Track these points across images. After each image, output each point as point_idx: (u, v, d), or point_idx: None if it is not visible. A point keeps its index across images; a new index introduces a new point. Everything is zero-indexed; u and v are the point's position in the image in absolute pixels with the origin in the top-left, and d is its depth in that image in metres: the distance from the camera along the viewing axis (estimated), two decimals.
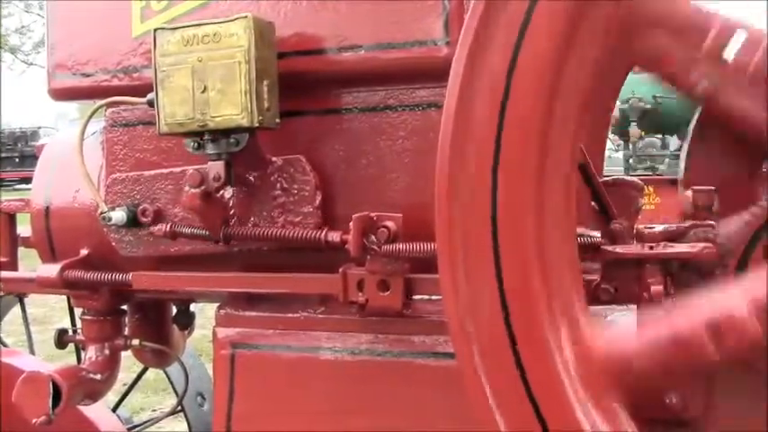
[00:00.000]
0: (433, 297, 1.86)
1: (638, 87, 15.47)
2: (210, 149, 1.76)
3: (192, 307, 2.60)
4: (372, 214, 1.72)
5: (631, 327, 1.32)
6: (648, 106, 15.40)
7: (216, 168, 1.76)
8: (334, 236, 1.76)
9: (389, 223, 1.70)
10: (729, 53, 1.29)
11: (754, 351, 1.22)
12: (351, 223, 1.69)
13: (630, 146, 15.89)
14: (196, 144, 1.78)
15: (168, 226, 1.90)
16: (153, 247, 1.97)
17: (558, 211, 1.24)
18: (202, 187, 1.77)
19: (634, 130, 15.36)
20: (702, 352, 1.19)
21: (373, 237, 1.70)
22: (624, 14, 1.24)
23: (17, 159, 29.56)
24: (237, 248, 1.89)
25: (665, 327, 1.23)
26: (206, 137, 1.76)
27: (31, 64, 33.38)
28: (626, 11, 1.24)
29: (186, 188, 1.80)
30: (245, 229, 1.85)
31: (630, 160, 15.46)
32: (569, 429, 1.21)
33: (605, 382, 1.23)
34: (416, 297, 1.91)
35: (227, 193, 1.88)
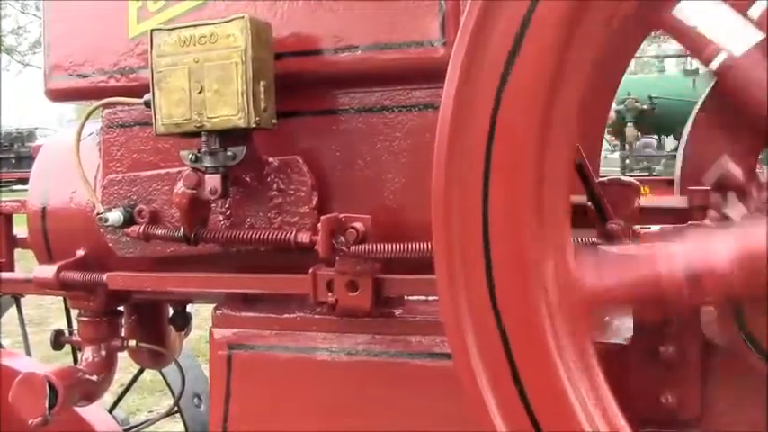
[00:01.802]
0: (430, 298, 1.87)
1: (635, 88, 15.51)
2: (208, 162, 1.77)
3: (189, 308, 2.60)
4: (341, 215, 1.74)
5: (613, 259, 1.30)
6: (645, 107, 15.43)
7: (213, 182, 1.77)
8: (304, 237, 1.78)
9: (358, 224, 1.72)
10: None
11: (726, 302, 1.23)
12: (318, 224, 1.71)
13: (627, 146, 15.90)
14: (194, 157, 1.78)
15: (142, 228, 1.92)
16: (149, 248, 1.97)
17: (554, 213, 1.24)
18: (194, 191, 1.78)
19: (630, 130, 15.38)
20: (678, 298, 1.21)
21: (342, 238, 1.71)
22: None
23: (14, 160, 29.52)
24: (234, 249, 1.90)
25: (645, 266, 1.22)
26: (203, 149, 1.76)
27: (28, 65, 33.34)
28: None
29: (179, 185, 1.80)
30: (215, 231, 1.87)
31: (627, 161, 15.48)
32: (564, 430, 1.21)
33: (580, 310, 1.23)
34: (413, 297, 1.92)
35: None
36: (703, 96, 1.69)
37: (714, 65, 1.40)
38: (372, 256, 1.71)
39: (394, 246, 1.68)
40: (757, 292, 1.17)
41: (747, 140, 1.58)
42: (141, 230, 1.93)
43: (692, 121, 1.70)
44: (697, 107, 1.71)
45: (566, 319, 1.21)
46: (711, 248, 1.18)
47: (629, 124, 15.44)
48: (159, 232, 1.91)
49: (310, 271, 1.79)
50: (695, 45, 1.42)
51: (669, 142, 17.01)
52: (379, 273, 1.77)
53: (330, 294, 1.78)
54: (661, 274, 1.19)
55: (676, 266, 1.17)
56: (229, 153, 1.76)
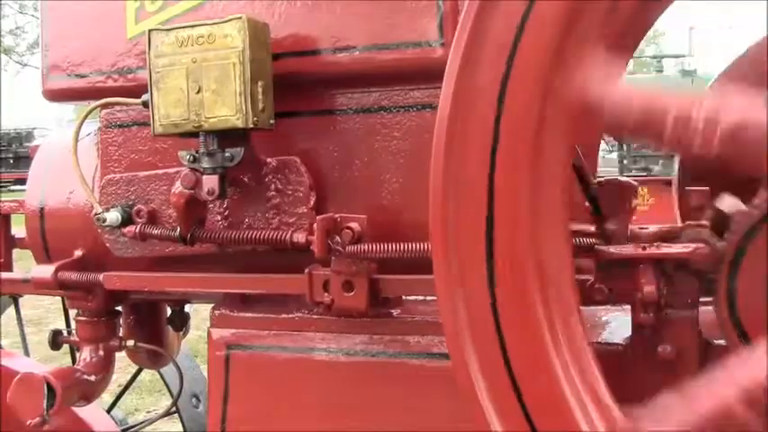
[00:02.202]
0: (428, 298, 1.88)
1: None
2: (206, 163, 1.77)
3: (188, 308, 2.60)
4: (337, 215, 1.74)
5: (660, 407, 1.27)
6: None
7: (210, 183, 1.77)
8: (300, 237, 1.78)
9: (354, 224, 1.73)
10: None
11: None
12: (315, 224, 1.71)
13: (625, 146, 15.92)
14: (192, 157, 1.78)
15: (139, 228, 1.92)
16: (147, 247, 1.98)
17: (553, 212, 1.24)
18: (192, 191, 1.78)
19: None
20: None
21: (338, 238, 1.71)
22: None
23: (12, 160, 29.54)
24: (232, 250, 1.90)
25: (698, 404, 1.20)
26: (201, 150, 1.76)
27: (26, 65, 33.36)
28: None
29: (177, 185, 1.80)
30: (212, 231, 1.87)
31: (625, 161, 15.50)
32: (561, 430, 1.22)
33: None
34: (411, 298, 1.93)
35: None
36: None
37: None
38: (368, 256, 1.71)
39: (390, 246, 1.68)
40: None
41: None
42: (139, 230, 1.93)
43: None
44: None
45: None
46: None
47: None
48: (157, 232, 1.91)
49: (306, 271, 1.79)
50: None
51: None
52: (375, 273, 1.77)
53: (326, 294, 1.78)
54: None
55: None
56: (227, 153, 1.76)
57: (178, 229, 1.87)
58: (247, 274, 1.94)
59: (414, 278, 1.74)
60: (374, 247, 1.70)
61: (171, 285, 2.07)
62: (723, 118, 1.08)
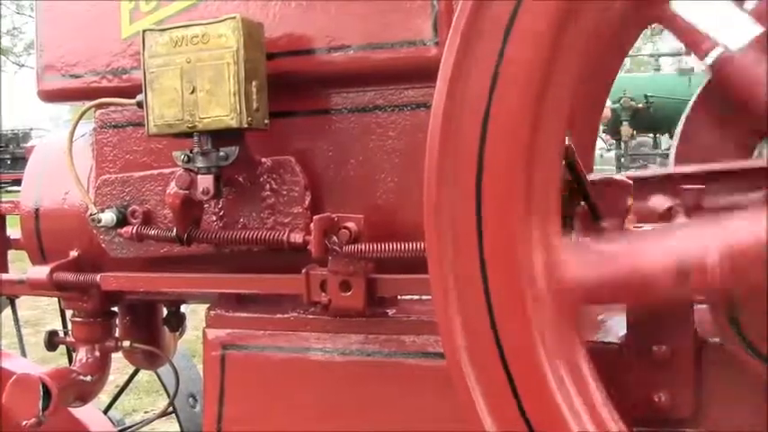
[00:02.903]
0: (423, 297, 1.87)
1: (630, 87, 15.54)
2: (200, 163, 1.77)
3: (185, 308, 2.60)
4: (334, 215, 1.74)
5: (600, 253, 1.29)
6: (640, 105, 15.47)
7: (205, 183, 1.77)
8: (297, 237, 1.78)
9: (351, 224, 1.73)
10: None
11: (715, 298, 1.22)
12: (311, 224, 1.71)
13: (622, 145, 15.94)
14: (186, 157, 1.78)
15: (135, 228, 1.92)
16: (142, 248, 1.97)
17: (546, 209, 1.24)
18: (187, 192, 1.78)
19: (626, 129, 15.42)
20: (664, 291, 1.18)
21: (335, 237, 1.71)
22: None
23: (9, 161, 29.49)
24: (228, 250, 1.90)
25: (630, 257, 1.22)
26: (195, 150, 1.76)
27: (23, 65, 33.34)
28: None
29: (172, 186, 1.80)
30: (208, 231, 1.87)
31: (622, 159, 15.51)
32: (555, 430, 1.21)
33: (566, 303, 1.22)
34: (406, 297, 1.92)
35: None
36: (696, 93, 1.69)
37: (709, 60, 1.39)
38: (365, 255, 1.71)
39: (387, 245, 1.68)
40: (746, 288, 1.16)
41: (741, 137, 1.58)
42: (134, 231, 1.93)
43: (684, 118, 1.70)
44: (690, 104, 1.71)
45: (554, 314, 1.21)
46: (701, 242, 1.17)
47: (624, 123, 15.49)
48: (152, 233, 1.91)
49: (303, 271, 1.79)
50: (691, 40, 1.42)
51: (664, 141, 17.05)
52: (372, 272, 1.77)
53: (323, 294, 1.78)
54: (648, 267, 1.18)
55: (665, 260, 1.17)
56: (222, 153, 1.76)
57: (174, 230, 1.87)
58: (244, 275, 1.93)
59: (411, 278, 1.74)
60: (371, 246, 1.70)
61: (167, 286, 2.07)
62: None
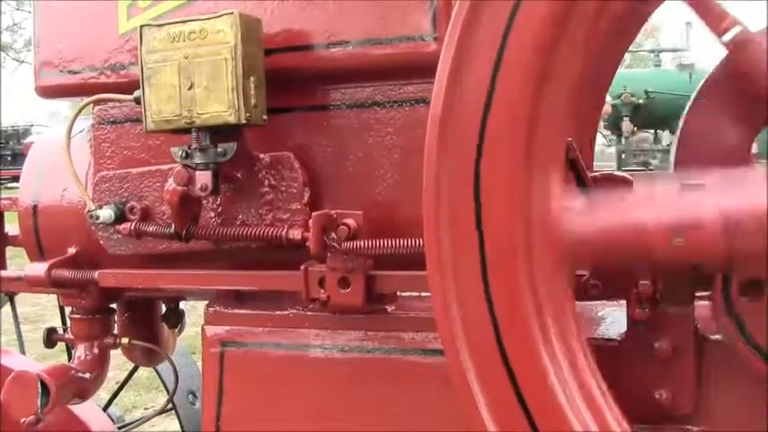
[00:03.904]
0: (423, 294, 1.87)
1: (631, 82, 15.53)
2: (198, 159, 1.76)
3: (184, 305, 2.59)
4: (332, 212, 1.73)
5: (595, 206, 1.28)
6: (641, 101, 15.47)
7: (203, 179, 1.76)
8: (295, 233, 1.77)
9: (349, 221, 1.72)
10: None
11: (707, 263, 1.21)
12: (310, 221, 1.70)
13: (623, 141, 15.94)
14: (184, 153, 1.77)
15: (133, 225, 1.91)
16: (140, 245, 1.97)
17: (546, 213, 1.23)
18: (185, 188, 1.77)
19: (626, 124, 15.42)
20: (658, 251, 1.17)
21: (333, 234, 1.71)
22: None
23: (9, 157, 29.47)
24: (227, 246, 1.89)
25: (628, 213, 1.21)
26: (194, 146, 1.75)
27: (23, 62, 33.34)
28: None
29: (170, 182, 1.79)
30: (206, 228, 1.86)
31: (623, 155, 15.52)
32: (559, 429, 1.21)
33: (561, 256, 1.22)
34: (406, 294, 1.92)
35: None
36: (698, 87, 1.67)
37: (728, 38, 1.37)
38: (364, 252, 1.71)
39: (386, 242, 1.68)
40: (746, 256, 1.15)
41: (744, 129, 1.56)
42: (132, 227, 1.92)
43: (686, 112, 1.69)
44: (692, 97, 1.70)
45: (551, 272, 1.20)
46: (701, 200, 1.16)
47: (624, 118, 15.49)
48: (150, 229, 1.91)
49: (302, 268, 1.79)
50: (710, 16, 1.40)
51: (665, 136, 17.04)
52: (371, 269, 1.76)
53: (322, 291, 1.77)
54: (647, 221, 1.17)
55: (664, 216, 1.16)
56: (220, 149, 1.75)
57: (172, 226, 1.86)
58: (242, 271, 1.93)
59: (410, 274, 1.74)
60: (370, 243, 1.70)
61: (166, 282, 2.06)
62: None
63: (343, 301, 1.77)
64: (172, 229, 1.87)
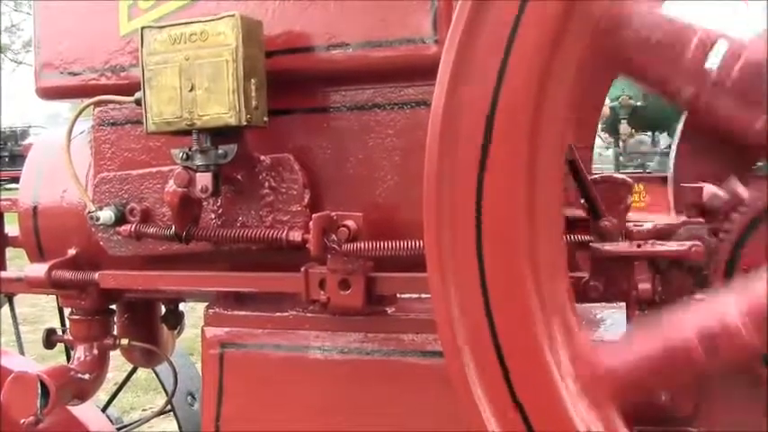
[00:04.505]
0: (423, 295, 1.87)
1: (629, 85, 15.51)
2: (199, 161, 1.76)
3: (184, 306, 2.59)
4: (333, 213, 1.73)
5: (625, 339, 1.31)
6: (638, 104, 15.45)
7: (203, 181, 1.76)
8: (296, 235, 1.77)
9: (350, 222, 1.72)
10: (712, 63, 1.29)
11: (750, 358, 1.23)
12: (310, 223, 1.70)
13: (621, 143, 15.93)
14: (185, 155, 1.77)
15: (133, 226, 1.91)
16: (141, 246, 1.97)
17: (547, 210, 1.23)
18: (185, 190, 1.77)
19: (624, 127, 15.41)
20: (697, 363, 1.20)
21: (334, 236, 1.71)
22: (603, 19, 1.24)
23: (7, 159, 29.42)
24: (227, 248, 1.89)
25: (657, 339, 1.23)
26: (194, 147, 1.75)
27: (21, 63, 33.27)
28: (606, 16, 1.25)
29: (170, 184, 1.79)
30: (207, 229, 1.86)
31: (621, 158, 15.50)
32: (557, 430, 1.21)
33: (605, 393, 1.23)
34: (405, 295, 1.92)
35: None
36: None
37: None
38: (364, 254, 1.71)
39: (386, 244, 1.68)
40: None
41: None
42: (133, 229, 1.92)
43: (685, 117, 1.69)
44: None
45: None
46: (719, 308, 1.18)
47: (622, 121, 15.47)
48: (151, 231, 1.91)
49: (302, 269, 1.79)
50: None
51: (663, 139, 17.03)
52: (371, 271, 1.76)
53: (322, 293, 1.77)
54: (675, 344, 1.19)
55: (688, 333, 1.18)
56: (220, 151, 1.75)
57: (173, 228, 1.87)
58: (242, 273, 1.93)
59: (410, 276, 1.74)
60: (371, 245, 1.70)
61: (166, 284, 2.06)
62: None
63: (343, 303, 1.77)
64: (172, 231, 1.87)
